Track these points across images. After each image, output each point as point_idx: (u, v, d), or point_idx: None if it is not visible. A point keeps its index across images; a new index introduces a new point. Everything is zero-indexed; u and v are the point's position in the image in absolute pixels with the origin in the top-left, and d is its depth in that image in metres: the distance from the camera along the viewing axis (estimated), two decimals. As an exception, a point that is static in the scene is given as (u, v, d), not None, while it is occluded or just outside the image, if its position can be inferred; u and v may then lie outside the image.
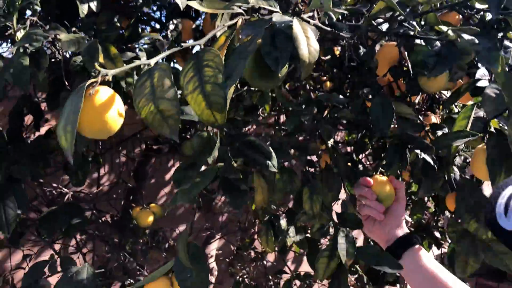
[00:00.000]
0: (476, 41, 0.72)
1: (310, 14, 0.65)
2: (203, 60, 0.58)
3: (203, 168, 0.84)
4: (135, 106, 0.55)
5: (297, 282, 1.91)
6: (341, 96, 0.89)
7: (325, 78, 1.29)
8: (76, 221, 1.32)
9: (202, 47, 0.64)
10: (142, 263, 1.62)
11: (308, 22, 0.62)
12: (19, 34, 1.02)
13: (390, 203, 0.85)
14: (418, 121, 0.89)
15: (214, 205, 2.08)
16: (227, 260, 2.07)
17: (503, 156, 0.74)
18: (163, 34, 1.38)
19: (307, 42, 0.53)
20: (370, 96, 0.88)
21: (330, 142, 1.00)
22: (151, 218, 1.52)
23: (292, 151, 1.03)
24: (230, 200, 0.80)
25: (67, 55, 1.25)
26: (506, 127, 0.77)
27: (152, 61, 0.59)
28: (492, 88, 0.80)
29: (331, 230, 0.93)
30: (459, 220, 0.93)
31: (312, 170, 1.12)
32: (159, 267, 0.90)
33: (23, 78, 0.95)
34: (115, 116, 0.56)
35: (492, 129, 0.80)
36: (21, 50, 1.01)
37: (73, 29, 1.14)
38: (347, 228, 0.86)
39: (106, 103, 0.56)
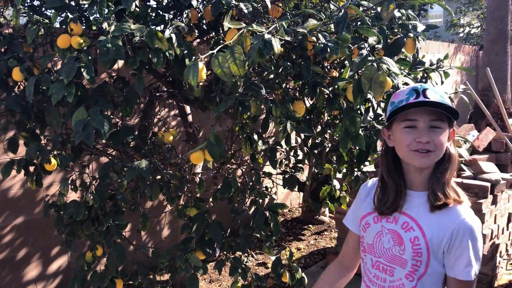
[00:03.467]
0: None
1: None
2: (234, 50, 1.46)
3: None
4: (212, 66, 1.41)
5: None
6: (288, 63, 1.80)
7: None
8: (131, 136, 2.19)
9: (231, 43, 1.51)
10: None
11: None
12: (112, 27, 1.82)
13: None
14: (325, 74, 1.81)
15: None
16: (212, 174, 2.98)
17: (360, 89, 1.67)
18: (179, 19, 2.21)
19: (277, 45, 1.40)
20: (303, 63, 1.78)
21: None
22: (171, 138, 2.41)
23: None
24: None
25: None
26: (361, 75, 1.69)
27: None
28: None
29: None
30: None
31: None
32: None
33: (120, 54, 1.77)
34: (203, 73, 1.43)
35: (356, 77, 1.73)
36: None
37: (131, 21, 1.95)
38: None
39: (202, 68, 1.42)
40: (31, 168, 2.37)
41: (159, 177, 2.30)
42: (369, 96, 1.85)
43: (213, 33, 2.40)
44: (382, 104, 2.27)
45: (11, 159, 2.33)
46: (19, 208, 3.19)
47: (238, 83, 1.61)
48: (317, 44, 1.61)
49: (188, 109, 3.25)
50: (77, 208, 2.13)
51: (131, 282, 2.30)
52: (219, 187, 2.57)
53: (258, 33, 1.47)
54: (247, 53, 1.42)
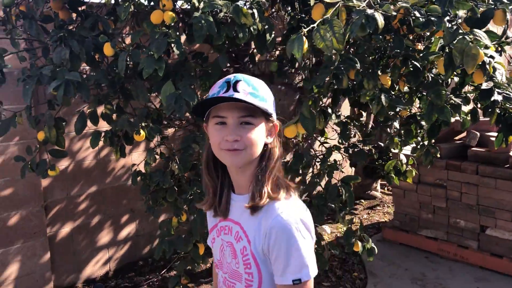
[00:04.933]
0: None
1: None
2: (333, 24, 1.50)
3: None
4: (314, 40, 1.46)
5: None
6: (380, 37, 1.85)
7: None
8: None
9: (329, 18, 1.56)
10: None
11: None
12: (202, 4, 1.90)
13: None
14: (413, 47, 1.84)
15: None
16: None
17: (451, 62, 1.69)
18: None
19: (381, 20, 1.43)
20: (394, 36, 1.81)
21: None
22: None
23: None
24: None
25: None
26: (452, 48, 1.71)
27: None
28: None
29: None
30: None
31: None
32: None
33: (212, 29, 1.85)
34: (306, 46, 1.49)
35: (447, 50, 1.74)
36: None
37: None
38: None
39: (305, 41, 1.48)
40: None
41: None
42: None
43: (289, 8, 2.43)
44: (456, 79, 2.28)
45: (96, 130, 2.47)
46: (92, 178, 3.38)
47: (334, 57, 1.66)
48: (411, 17, 1.64)
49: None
50: (163, 176, 2.25)
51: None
52: (289, 159, 2.65)
53: (356, 7, 1.50)
54: (350, 27, 1.46)
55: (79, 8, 2.46)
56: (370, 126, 2.79)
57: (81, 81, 2.09)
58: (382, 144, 3.00)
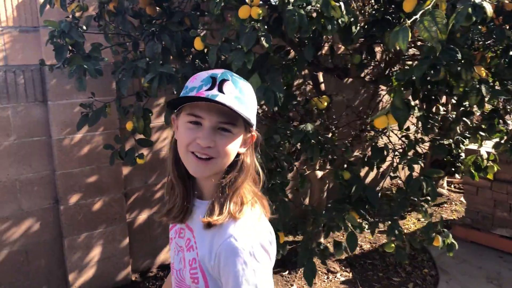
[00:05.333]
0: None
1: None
2: (435, 14, 1.50)
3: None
4: (419, 31, 1.47)
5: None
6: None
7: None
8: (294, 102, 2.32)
9: (431, 8, 1.55)
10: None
11: None
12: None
13: None
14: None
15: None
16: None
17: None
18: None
19: (489, 8, 1.42)
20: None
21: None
22: (325, 103, 2.51)
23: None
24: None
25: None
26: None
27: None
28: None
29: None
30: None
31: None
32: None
33: (303, 23, 1.89)
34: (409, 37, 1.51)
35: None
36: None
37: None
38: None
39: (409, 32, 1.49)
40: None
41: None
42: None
43: (372, 0, 2.43)
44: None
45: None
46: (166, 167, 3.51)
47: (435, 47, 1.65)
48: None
49: (320, 77, 3.34)
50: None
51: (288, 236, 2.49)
52: (365, 153, 2.66)
53: (460, -3, 1.50)
54: (454, 17, 1.46)
55: (164, 4, 2.58)
56: (449, 119, 2.74)
57: (173, 74, 2.19)
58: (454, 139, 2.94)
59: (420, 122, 2.45)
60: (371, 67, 2.98)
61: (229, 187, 1.01)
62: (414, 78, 1.83)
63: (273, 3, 2.39)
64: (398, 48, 1.49)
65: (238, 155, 1.04)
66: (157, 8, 2.57)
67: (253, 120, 1.04)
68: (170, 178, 1.09)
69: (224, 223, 0.98)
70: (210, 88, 0.96)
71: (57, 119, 2.93)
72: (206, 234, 1.01)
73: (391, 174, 2.56)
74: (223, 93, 0.96)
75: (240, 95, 0.98)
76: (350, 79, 4.07)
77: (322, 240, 3.12)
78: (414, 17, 1.49)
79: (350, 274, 3.35)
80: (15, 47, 2.78)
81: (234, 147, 1.01)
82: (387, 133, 2.78)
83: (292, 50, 2.66)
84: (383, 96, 3.38)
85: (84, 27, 2.26)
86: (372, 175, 4.79)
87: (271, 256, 1.01)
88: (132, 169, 3.33)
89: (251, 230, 0.99)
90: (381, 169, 2.75)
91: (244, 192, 1.03)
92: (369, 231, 2.43)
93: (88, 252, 3.14)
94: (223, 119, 0.97)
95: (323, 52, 3.23)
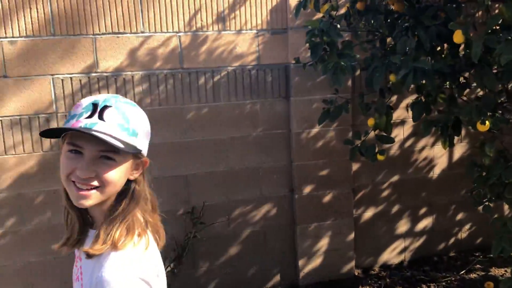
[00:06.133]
0: None
1: None
2: None
3: None
4: None
5: None
6: None
7: None
8: None
9: None
10: None
11: None
12: None
13: None
14: None
15: None
16: None
17: None
18: None
19: None
20: None
21: None
22: None
23: None
24: None
25: None
26: None
27: None
28: None
29: None
30: None
31: None
32: None
33: None
34: None
35: None
36: None
37: None
38: None
39: None
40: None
41: None
42: None
43: None
44: None
45: (427, 119, 2.48)
46: (395, 167, 3.45)
47: None
48: None
49: None
50: (506, 170, 2.10)
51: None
52: None
53: None
54: None
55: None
56: None
57: (427, 69, 2.12)
58: None
59: None
60: None
61: (117, 216, 0.99)
62: None
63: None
64: None
65: (129, 181, 1.01)
66: (405, 3, 2.53)
67: (142, 145, 1.01)
68: (65, 206, 1.06)
69: (104, 253, 0.95)
70: (90, 116, 0.93)
71: (297, 114, 3.14)
72: (89, 264, 0.98)
73: None
74: (104, 120, 0.93)
75: (124, 122, 0.95)
76: None
77: None
78: None
79: None
80: (266, 47, 3.08)
81: (119, 175, 0.97)
82: None
83: None
84: None
85: (338, 26, 2.36)
86: None
87: (153, 286, 0.97)
88: (361, 166, 3.37)
89: (131, 262, 0.95)
90: None
91: (134, 220, 1.00)
92: None
93: (317, 241, 3.30)
94: (104, 147, 0.93)
95: None
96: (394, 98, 3.33)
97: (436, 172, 3.55)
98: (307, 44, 2.47)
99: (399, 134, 3.42)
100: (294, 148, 3.19)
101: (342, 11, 2.74)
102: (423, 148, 3.48)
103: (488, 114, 2.13)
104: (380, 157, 2.58)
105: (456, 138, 3.50)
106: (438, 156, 3.53)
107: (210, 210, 3.10)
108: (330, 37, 2.24)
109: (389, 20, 2.53)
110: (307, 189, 3.24)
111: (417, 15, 2.36)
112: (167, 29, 2.90)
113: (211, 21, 2.97)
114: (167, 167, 2.99)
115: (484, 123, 2.09)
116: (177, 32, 2.92)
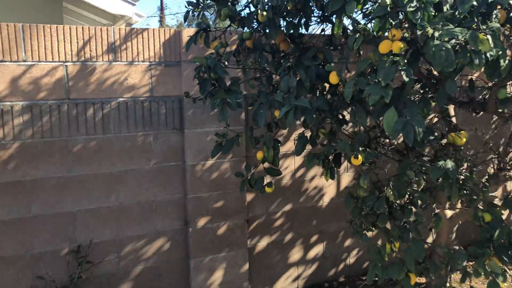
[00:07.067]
0: None
1: None
2: None
3: None
4: None
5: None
6: None
7: None
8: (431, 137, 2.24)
9: None
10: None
11: None
12: (437, 32, 1.91)
13: None
14: None
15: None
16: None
17: None
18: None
19: None
20: None
21: None
22: (464, 140, 2.38)
23: None
24: None
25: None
26: None
27: None
28: None
29: None
30: None
31: None
32: None
33: (450, 57, 1.84)
34: None
35: None
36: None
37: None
38: None
39: None
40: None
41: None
42: None
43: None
44: None
45: (311, 153, 2.62)
46: (288, 196, 3.57)
47: None
48: None
49: (452, 111, 3.19)
50: (377, 201, 2.27)
51: (420, 278, 2.37)
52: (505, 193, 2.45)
53: None
54: None
55: (296, 40, 2.68)
56: None
57: (308, 107, 2.25)
58: None
59: None
60: None
61: None
62: None
63: (409, 38, 2.37)
64: None
65: None
66: (291, 44, 2.69)
67: None
68: None
69: None
70: None
71: (192, 146, 3.15)
72: None
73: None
74: None
75: None
76: (481, 113, 3.82)
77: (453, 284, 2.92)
78: None
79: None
80: (159, 80, 3.07)
81: None
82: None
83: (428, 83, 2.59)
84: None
85: (226, 63, 2.43)
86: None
87: None
88: (255, 196, 3.44)
89: None
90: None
91: None
92: (512, 280, 2.21)
93: (211, 274, 3.28)
94: None
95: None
96: (286, 130, 3.49)
97: (325, 200, 3.74)
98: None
99: (291, 164, 3.56)
100: (189, 180, 3.18)
101: (234, 46, 2.84)
102: (313, 178, 3.66)
103: (361, 148, 2.30)
104: (268, 190, 2.66)
105: (343, 167, 3.74)
106: (327, 185, 3.73)
107: (99, 247, 2.95)
108: (217, 74, 2.29)
109: (275, 59, 2.67)
110: (202, 222, 3.23)
111: (300, 54, 2.52)
112: (53, 59, 2.78)
113: (101, 51, 2.90)
114: (51, 204, 2.81)
115: (357, 157, 2.26)
116: (64, 62, 2.80)
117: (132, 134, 3.03)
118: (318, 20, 3.01)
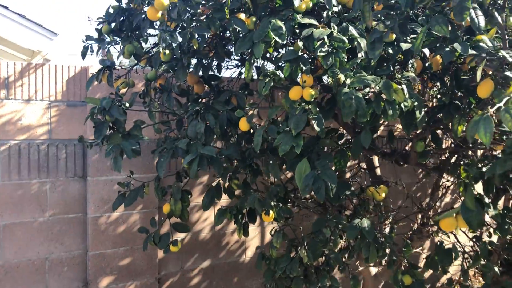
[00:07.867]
0: None
1: None
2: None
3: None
4: (503, 121, 1.22)
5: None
6: None
7: None
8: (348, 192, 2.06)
9: None
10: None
11: None
12: (349, 80, 1.76)
13: None
14: None
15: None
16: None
17: None
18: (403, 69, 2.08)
19: None
20: None
21: None
22: (383, 195, 2.23)
23: None
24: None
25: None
26: None
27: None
28: None
29: None
30: None
31: None
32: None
33: (361, 106, 1.69)
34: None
35: None
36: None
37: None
38: None
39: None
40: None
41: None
42: None
43: (438, 84, 2.21)
44: None
45: (222, 207, 2.36)
46: (206, 251, 3.26)
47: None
48: None
49: (376, 161, 3.07)
50: (290, 263, 2.04)
51: None
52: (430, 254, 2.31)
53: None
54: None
55: (212, 83, 2.48)
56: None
57: (214, 156, 2.02)
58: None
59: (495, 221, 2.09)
60: (435, 154, 2.68)
61: None
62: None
63: (326, 83, 2.23)
64: (479, 140, 1.23)
65: None
66: (205, 86, 2.48)
67: None
68: None
69: None
70: None
71: (96, 196, 2.80)
72: None
73: (462, 281, 2.18)
74: None
75: None
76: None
77: None
78: (498, 105, 1.23)
79: None
80: (61, 121, 2.74)
81: None
82: (454, 232, 2.42)
83: (346, 133, 2.45)
84: (448, 187, 3.03)
85: (127, 104, 2.16)
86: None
87: None
88: (169, 252, 3.10)
89: None
90: (448, 274, 2.35)
91: None
92: None
93: None
94: None
95: (379, 133, 2.99)
96: (205, 178, 3.22)
97: (248, 255, 3.46)
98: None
99: (211, 216, 3.28)
100: (91, 234, 2.81)
101: (143, 87, 2.59)
102: (234, 231, 3.38)
103: (274, 203, 2.08)
104: (173, 249, 2.36)
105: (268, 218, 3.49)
106: (249, 238, 3.46)
107: (-28, 316, 2.48)
108: (112, 116, 2.02)
109: (189, 102, 2.44)
110: (105, 282, 2.84)
111: (214, 98, 2.31)
112: None
113: (-9, 87, 2.56)
114: None
115: (268, 214, 2.02)
116: None
117: (24, 182, 2.65)
118: (238, 63, 2.85)
